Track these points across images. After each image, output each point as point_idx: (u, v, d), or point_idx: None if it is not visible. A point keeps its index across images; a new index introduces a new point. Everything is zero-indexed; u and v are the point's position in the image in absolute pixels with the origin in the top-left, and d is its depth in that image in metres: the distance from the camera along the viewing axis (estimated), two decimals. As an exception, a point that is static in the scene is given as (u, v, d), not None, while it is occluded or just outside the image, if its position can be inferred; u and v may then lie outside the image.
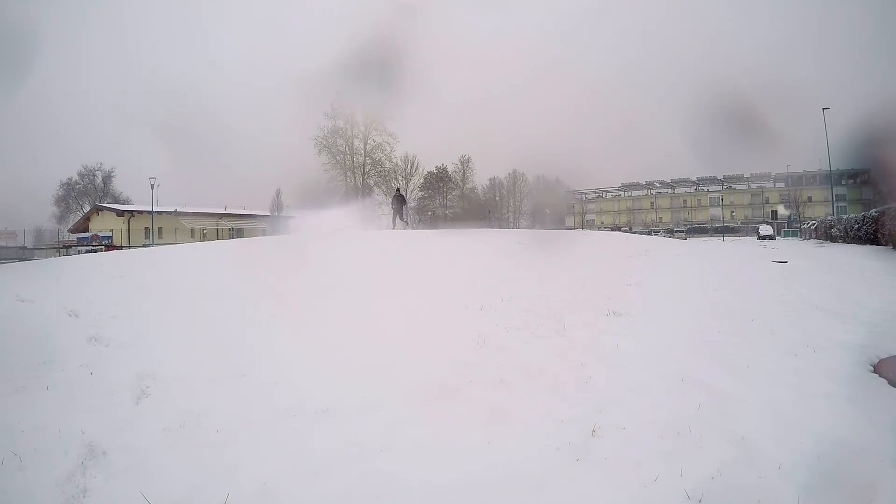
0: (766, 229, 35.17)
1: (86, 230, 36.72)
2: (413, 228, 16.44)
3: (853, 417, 2.31)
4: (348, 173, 40.79)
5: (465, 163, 48.44)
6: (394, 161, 42.92)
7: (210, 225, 35.83)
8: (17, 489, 1.83)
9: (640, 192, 55.37)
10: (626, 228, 46.87)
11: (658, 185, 53.89)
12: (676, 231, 45.12)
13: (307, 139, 39.20)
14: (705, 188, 53.20)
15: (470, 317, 4.14)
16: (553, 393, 2.63)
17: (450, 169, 47.74)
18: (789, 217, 43.43)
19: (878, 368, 2.97)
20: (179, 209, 35.08)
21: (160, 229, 32.83)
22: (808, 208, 44.29)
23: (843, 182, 42.95)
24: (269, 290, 4.83)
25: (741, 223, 47.78)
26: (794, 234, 33.10)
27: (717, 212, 51.63)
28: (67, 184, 44.82)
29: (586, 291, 5.09)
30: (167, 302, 4.33)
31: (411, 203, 44.72)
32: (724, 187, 52.23)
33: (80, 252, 24.21)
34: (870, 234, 11.14)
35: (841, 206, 36.89)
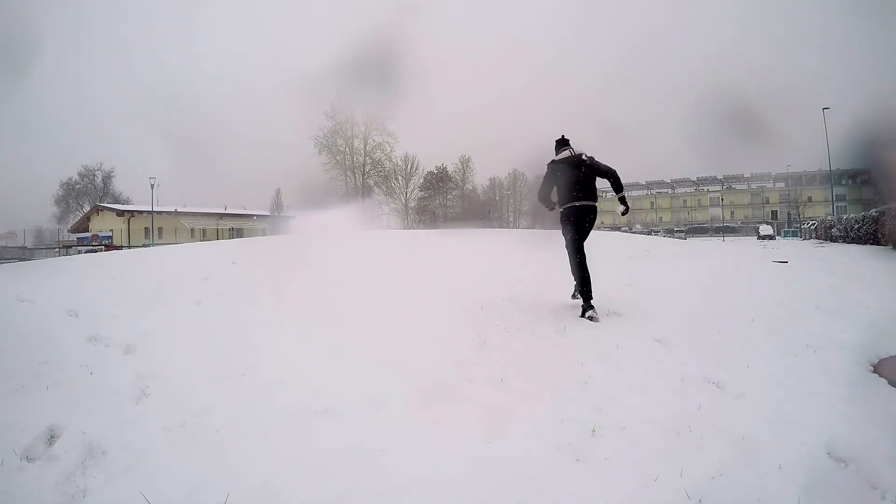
0: (766, 229, 35.23)
1: (86, 230, 36.77)
2: None
3: (853, 417, 2.30)
4: (348, 173, 40.85)
5: (465, 163, 48.48)
6: (394, 161, 42.96)
7: (210, 225, 35.88)
8: (17, 489, 1.83)
9: (640, 192, 55.31)
10: (626, 228, 46.85)
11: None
12: (676, 231, 45.11)
13: (307, 139, 39.25)
14: (705, 188, 53.18)
15: (470, 316, 4.14)
16: (553, 393, 2.63)
17: (450, 169, 47.75)
18: (789, 217, 43.41)
19: (878, 368, 2.97)
20: (179, 209, 35.11)
21: (160, 229, 32.86)
22: (808, 208, 44.28)
23: (843, 182, 42.92)
24: (269, 289, 4.84)
25: (741, 223, 47.76)
26: (794, 235, 33.10)
27: (717, 212, 51.63)
28: (67, 184, 44.89)
29: (586, 291, 5.08)
30: (167, 301, 4.34)
31: (411, 202, 44.63)
32: (724, 187, 52.22)
33: (80, 252, 24.19)
34: (870, 234, 11.16)
35: (841, 206, 36.88)
